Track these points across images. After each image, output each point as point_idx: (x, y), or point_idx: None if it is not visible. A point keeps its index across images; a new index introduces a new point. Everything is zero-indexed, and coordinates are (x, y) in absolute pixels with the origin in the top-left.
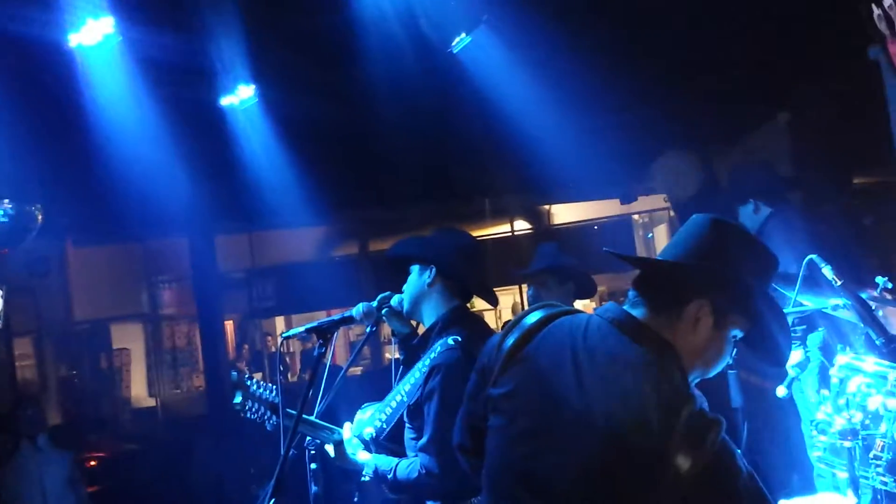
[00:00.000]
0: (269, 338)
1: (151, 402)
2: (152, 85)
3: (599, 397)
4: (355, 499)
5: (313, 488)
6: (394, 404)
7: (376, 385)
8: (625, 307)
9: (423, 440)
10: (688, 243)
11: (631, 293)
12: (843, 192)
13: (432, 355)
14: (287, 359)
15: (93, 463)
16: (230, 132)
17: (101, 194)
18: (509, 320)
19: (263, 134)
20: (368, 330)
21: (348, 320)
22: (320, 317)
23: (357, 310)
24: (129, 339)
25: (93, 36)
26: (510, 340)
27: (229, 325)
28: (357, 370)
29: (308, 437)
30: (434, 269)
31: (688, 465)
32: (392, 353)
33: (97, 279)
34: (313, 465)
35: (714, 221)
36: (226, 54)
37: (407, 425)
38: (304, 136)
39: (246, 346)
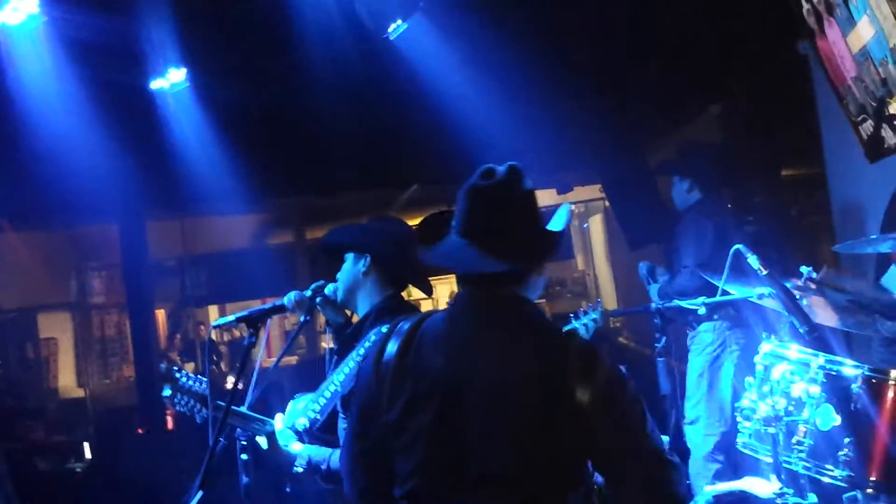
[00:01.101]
0: (202, 327)
1: (80, 393)
2: (79, 67)
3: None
4: (287, 489)
5: (244, 479)
6: (327, 394)
7: (311, 375)
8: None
9: None
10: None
11: None
12: (772, 183)
13: (366, 344)
14: (221, 348)
15: (20, 455)
16: (161, 116)
17: (27, 180)
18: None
19: (195, 118)
20: (302, 319)
21: (279, 309)
22: (255, 305)
23: (288, 298)
24: (57, 329)
25: (17, 15)
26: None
27: (160, 315)
28: (292, 360)
29: (238, 429)
30: (369, 258)
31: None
32: (327, 343)
33: (23, 267)
34: (244, 456)
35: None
36: (155, 36)
37: (341, 416)
38: (238, 122)
39: (178, 336)
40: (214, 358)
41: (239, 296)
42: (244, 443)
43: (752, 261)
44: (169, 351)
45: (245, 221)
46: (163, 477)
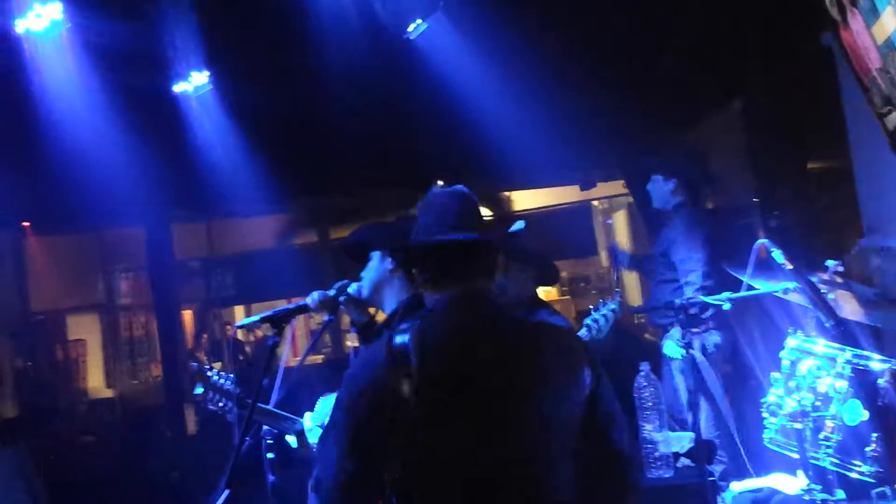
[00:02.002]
0: (228, 327)
1: (109, 394)
2: (103, 71)
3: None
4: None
5: (270, 478)
6: None
7: (337, 374)
8: None
9: None
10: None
11: None
12: (797, 177)
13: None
14: (247, 348)
15: (51, 456)
16: (185, 119)
17: (54, 184)
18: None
19: (219, 121)
20: (326, 319)
21: (303, 309)
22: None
23: (312, 298)
24: (86, 330)
25: (41, 22)
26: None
27: (187, 315)
28: (318, 359)
29: (265, 427)
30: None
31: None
32: (351, 342)
33: (51, 270)
34: (270, 455)
35: None
36: (178, 40)
37: None
38: (261, 123)
39: (205, 336)
40: (240, 357)
41: (264, 296)
42: (270, 441)
43: (777, 255)
44: (196, 351)
45: (269, 222)
46: (190, 476)
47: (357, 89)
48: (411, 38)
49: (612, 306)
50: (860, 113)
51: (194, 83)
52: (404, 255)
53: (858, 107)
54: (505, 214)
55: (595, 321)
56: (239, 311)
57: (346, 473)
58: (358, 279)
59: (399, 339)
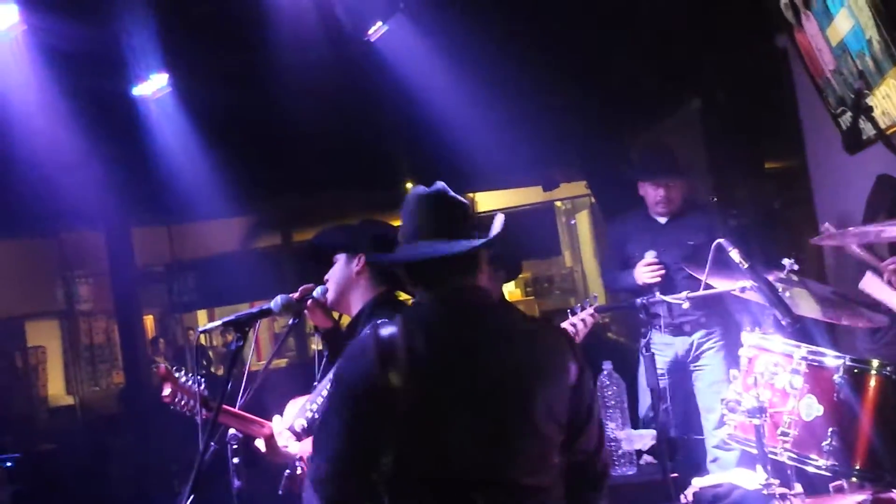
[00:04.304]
0: (191, 332)
1: (69, 401)
2: (60, 74)
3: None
4: (280, 492)
5: (236, 483)
6: (325, 393)
7: (302, 377)
8: None
9: None
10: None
11: None
12: (754, 176)
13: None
14: (210, 353)
15: (8, 464)
16: (144, 122)
17: (12, 188)
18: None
19: (179, 123)
20: (291, 322)
21: (266, 313)
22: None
23: (275, 302)
24: (45, 337)
25: None
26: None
27: (149, 321)
28: (282, 363)
29: (231, 431)
30: (363, 258)
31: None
32: (316, 346)
33: (9, 275)
34: (235, 460)
35: None
36: (136, 42)
37: None
38: (222, 125)
39: (162, 341)
40: (204, 363)
41: (227, 300)
42: (236, 446)
43: (734, 254)
44: (157, 356)
45: (231, 225)
46: (152, 482)
47: (318, 91)
48: (372, 40)
49: (590, 311)
50: (815, 113)
51: (153, 85)
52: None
53: (813, 107)
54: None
55: (573, 325)
56: (201, 315)
57: (343, 465)
58: (321, 282)
59: (385, 332)
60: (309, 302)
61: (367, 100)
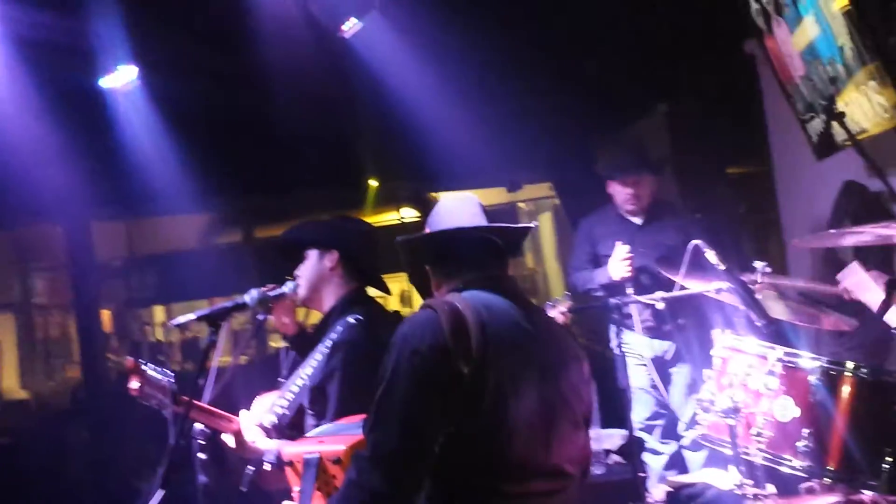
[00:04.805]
0: (147, 328)
1: (24, 395)
2: (26, 64)
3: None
4: (243, 489)
5: (201, 479)
6: (295, 389)
7: (262, 375)
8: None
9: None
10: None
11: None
12: (718, 180)
13: (333, 336)
14: (170, 349)
15: None
16: (109, 114)
17: None
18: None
19: (145, 116)
20: (260, 318)
21: (241, 307)
22: (201, 306)
23: (251, 296)
24: (0, 330)
25: None
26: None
27: (105, 315)
28: (241, 360)
29: (197, 426)
30: (336, 254)
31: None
32: (275, 342)
33: None
34: (202, 455)
35: None
36: (105, 33)
37: (308, 411)
38: (187, 120)
39: (113, 334)
40: (161, 359)
41: (185, 296)
42: (202, 442)
43: (711, 256)
44: (114, 352)
45: (193, 221)
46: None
47: (288, 87)
48: (346, 36)
49: (563, 310)
50: (781, 119)
51: (121, 77)
52: (422, 248)
53: (780, 113)
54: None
55: None
56: (159, 311)
57: (414, 438)
58: (282, 281)
59: (449, 308)
60: (279, 298)
61: (337, 97)
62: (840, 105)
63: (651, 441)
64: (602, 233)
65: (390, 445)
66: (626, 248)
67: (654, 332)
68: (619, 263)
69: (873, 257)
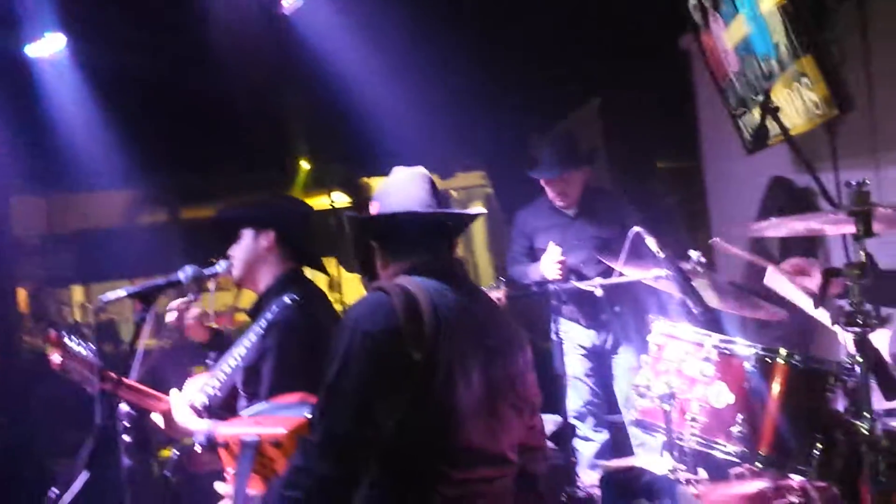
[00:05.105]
0: (65, 308)
1: None
2: None
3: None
4: (167, 473)
5: (125, 461)
6: (227, 369)
7: (195, 355)
8: None
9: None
10: None
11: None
12: (649, 174)
13: (268, 315)
14: (85, 329)
15: None
16: (34, 83)
17: None
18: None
19: (71, 87)
20: (192, 298)
21: (174, 285)
22: (122, 285)
23: (185, 274)
24: None
25: None
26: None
27: (22, 295)
28: (164, 343)
29: (122, 408)
30: (273, 233)
31: None
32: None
33: None
34: (126, 437)
35: None
36: None
37: (241, 392)
38: (115, 93)
39: (27, 315)
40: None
41: (106, 276)
42: (127, 424)
43: (651, 243)
44: (30, 332)
45: (117, 198)
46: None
47: (223, 63)
48: (286, 13)
49: (498, 296)
50: (714, 114)
51: (48, 46)
52: (371, 227)
53: (711, 108)
54: (362, 201)
55: None
56: (77, 290)
57: (362, 421)
58: (208, 262)
59: (401, 290)
60: (214, 277)
61: (272, 76)
62: (775, 100)
63: (584, 429)
64: (537, 226)
65: (342, 430)
66: (559, 249)
67: (592, 321)
68: (551, 265)
69: (797, 248)
